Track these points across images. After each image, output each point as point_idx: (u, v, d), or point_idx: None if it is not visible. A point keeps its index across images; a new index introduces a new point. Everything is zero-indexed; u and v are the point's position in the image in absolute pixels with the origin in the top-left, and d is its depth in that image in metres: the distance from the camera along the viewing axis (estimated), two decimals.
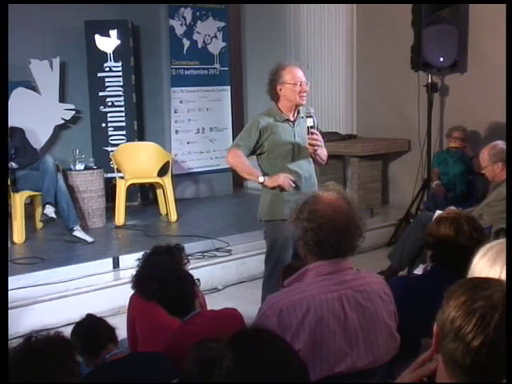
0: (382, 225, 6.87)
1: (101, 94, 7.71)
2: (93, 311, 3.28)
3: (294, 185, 3.98)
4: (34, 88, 7.41)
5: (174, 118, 7.89)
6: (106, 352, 2.87)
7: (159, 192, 7.21)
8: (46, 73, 7.44)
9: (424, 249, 4.35)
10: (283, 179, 3.97)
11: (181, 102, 7.91)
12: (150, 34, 7.95)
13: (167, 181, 6.98)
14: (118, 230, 6.62)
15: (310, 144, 4.06)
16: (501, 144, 4.81)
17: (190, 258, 3.95)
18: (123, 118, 7.79)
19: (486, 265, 1.83)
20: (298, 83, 4.04)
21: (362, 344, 2.24)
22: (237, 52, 8.88)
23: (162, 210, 7.21)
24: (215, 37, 8.12)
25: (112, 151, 7.35)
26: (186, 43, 7.90)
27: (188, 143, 8.02)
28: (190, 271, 3.43)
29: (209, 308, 3.58)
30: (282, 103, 4.12)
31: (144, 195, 8.01)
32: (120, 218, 6.69)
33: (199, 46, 8.01)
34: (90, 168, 6.72)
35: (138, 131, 7.91)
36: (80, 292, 5.00)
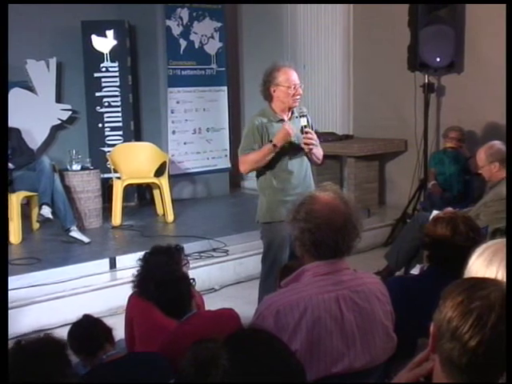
0: (378, 225, 6.88)
1: (97, 94, 7.70)
2: (90, 312, 3.27)
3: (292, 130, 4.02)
4: (31, 88, 7.40)
5: (170, 119, 7.88)
6: (103, 352, 2.87)
7: (156, 192, 7.21)
8: (42, 73, 7.43)
9: (421, 249, 4.34)
10: (287, 128, 3.99)
11: (177, 102, 7.91)
12: (147, 34, 7.94)
13: (164, 181, 6.97)
14: (114, 231, 6.61)
15: (304, 143, 4.07)
16: (498, 144, 4.82)
17: (187, 258, 3.94)
18: (120, 119, 7.78)
19: (482, 265, 1.84)
20: (292, 86, 4.06)
21: (359, 344, 2.25)
22: (234, 52, 8.88)
23: (159, 211, 7.20)
24: (212, 37, 8.11)
25: (109, 151, 7.34)
26: (183, 43, 7.89)
27: (185, 143, 8.01)
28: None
29: (206, 308, 3.58)
30: (276, 104, 4.13)
31: (141, 196, 8.00)
32: (117, 218, 6.69)
33: (196, 46, 8.00)
34: (87, 168, 6.71)
35: (134, 131, 7.90)
36: (77, 292, 4.99)
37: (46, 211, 5.83)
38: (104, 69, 7.70)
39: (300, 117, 4.12)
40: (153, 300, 3.11)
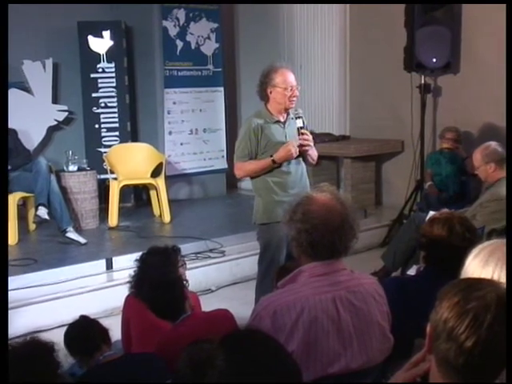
0: (375, 225, 6.88)
1: (94, 95, 7.69)
2: (86, 313, 3.27)
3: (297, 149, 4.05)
4: (27, 89, 7.38)
5: (167, 119, 7.88)
6: (99, 353, 2.87)
7: (153, 193, 7.20)
8: (38, 74, 7.42)
9: (417, 249, 4.35)
10: (291, 149, 4.01)
11: (174, 103, 7.90)
12: (143, 35, 7.94)
13: (160, 182, 6.97)
14: (111, 232, 6.60)
15: (300, 144, 4.08)
16: (494, 145, 4.82)
17: (184, 259, 3.93)
18: (116, 119, 7.77)
19: (478, 265, 1.84)
20: (289, 88, 4.06)
21: (356, 345, 2.25)
22: (230, 53, 8.88)
23: (156, 211, 7.20)
24: (208, 38, 8.11)
25: (105, 152, 7.33)
26: (180, 44, 7.89)
27: (181, 144, 8.01)
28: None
29: (203, 309, 3.58)
30: (272, 105, 4.14)
31: (137, 196, 7.99)
32: (113, 219, 6.68)
33: (192, 47, 8.00)
34: (83, 169, 6.70)
35: (131, 132, 7.90)
36: (73, 293, 4.99)
37: (43, 212, 5.82)
38: (100, 69, 7.69)
39: (296, 118, 4.13)
40: (147, 303, 3.10)
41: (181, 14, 7.86)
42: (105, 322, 3.13)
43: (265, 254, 4.18)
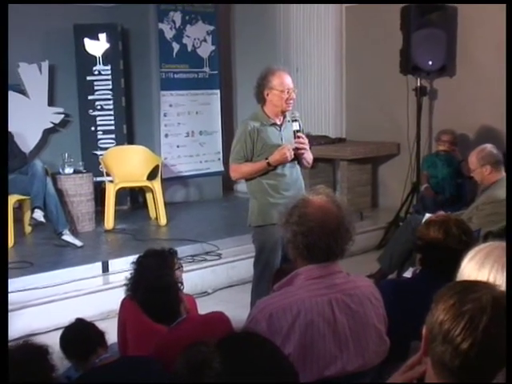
0: (371, 228, 6.88)
1: (90, 97, 7.68)
2: (82, 315, 3.26)
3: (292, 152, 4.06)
4: (23, 91, 7.38)
5: (163, 122, 7.88)
6: (95, 356, 2.86)
7: (149, 196, 7.20)
8: (34, 76, 7.41)
9: (413, 252, 4.36)
10: (286, 153, 4.02)
11: (170, 105, 7.90)
12: (140, 37, 7.93)
13: (157, 184, 6.96)
14: (107, 234, 6.60)
15: (296, 148, 4.09)
16: (489, 147, 4.83)
17: (180, 261, 3.93)
18: (112, 122, 7.77)
19: (474, 268, 1.84)
20: (286, 90, 4.07)
21: (352, 347, 2.25)
22: (226, 55, 8.88)
23: (152, 214, 7.19)
24: (205, 40, 8.12)
25: (101, 155, 7.33)
26: (176, 47, 7.89)
27: (178, 147, 8.00)
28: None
29: (199, 311, 3.57)
30: (268, 108, 4.14)
31: (133, 199, 7.99)
32: (109, 221, 6.67)
33: (189, 49, 8.01)
34: (79, 172, 6.69)
35: (127, 135, 7.89)
36: (69, 296, 4.98)
37: (39, 215, 5.81)
38: (96, 72, 7.69)
39: (292, 121, 4.14)
40: (141, 306, 3.09)
41: (177, 16, 7.87)
42: (101, 325, 3.12)
43: (260, 256, 4.19)
